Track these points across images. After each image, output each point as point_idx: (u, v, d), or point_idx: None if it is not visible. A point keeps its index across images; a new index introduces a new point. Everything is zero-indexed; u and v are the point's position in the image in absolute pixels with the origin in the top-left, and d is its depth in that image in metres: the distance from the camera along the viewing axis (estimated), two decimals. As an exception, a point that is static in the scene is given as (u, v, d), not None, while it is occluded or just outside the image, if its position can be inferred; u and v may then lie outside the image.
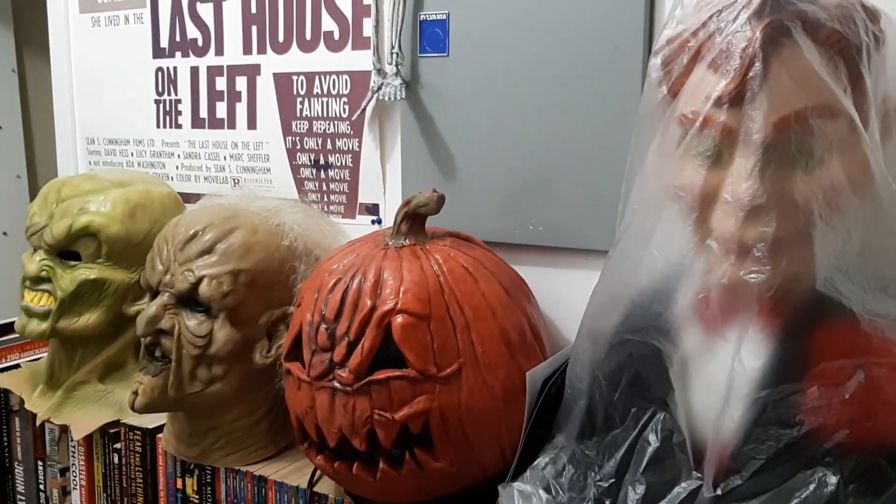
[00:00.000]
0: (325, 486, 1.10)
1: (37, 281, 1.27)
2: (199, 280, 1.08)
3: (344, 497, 1.06)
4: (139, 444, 1.25)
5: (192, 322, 1.09)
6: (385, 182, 1.23)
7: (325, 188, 1.28)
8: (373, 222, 1.24)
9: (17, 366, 1.45)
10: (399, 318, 0.90)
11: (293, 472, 1.14)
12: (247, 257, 1.10)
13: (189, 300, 1.10)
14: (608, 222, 1.04)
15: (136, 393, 1.09)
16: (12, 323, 1.34)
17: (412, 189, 1.19)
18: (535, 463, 0.91)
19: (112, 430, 1.28)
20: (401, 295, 0.91)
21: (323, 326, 0.94)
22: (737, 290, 0.73)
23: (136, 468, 1.25)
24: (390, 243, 0.99)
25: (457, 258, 0.96)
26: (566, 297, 1.08)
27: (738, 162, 0.72)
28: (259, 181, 1.35)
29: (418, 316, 0.90)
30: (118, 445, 1.28)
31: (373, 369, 0.91)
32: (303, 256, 1.16)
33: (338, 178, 1.27)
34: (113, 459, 1.28)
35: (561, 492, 0.87)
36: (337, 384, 0.92)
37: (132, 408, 1.10)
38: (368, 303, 0.92)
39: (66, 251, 1.26)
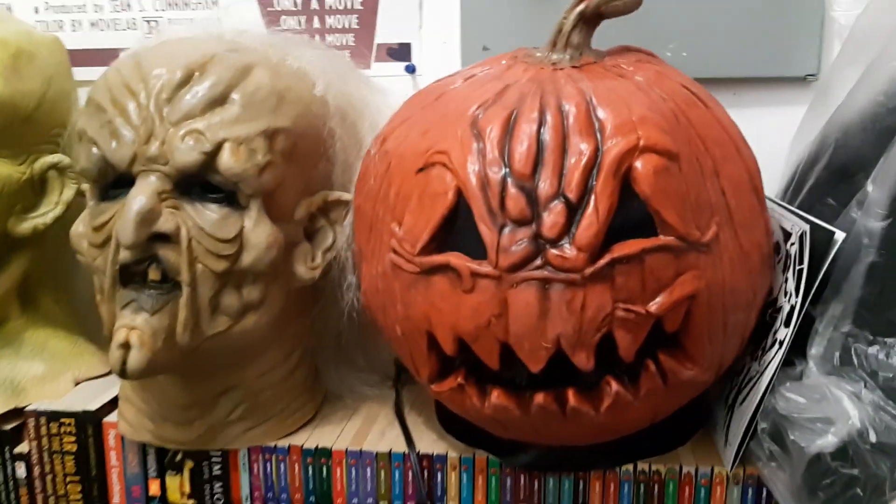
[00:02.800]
0: (428, 444, 0.75)
1: None
2: (219, 146, 0.65)
3: (474, 453, 0.73)
4: (72, 438, 0.77)
5: (210, 218, 0.66)
6: (422, 9, 0.86)
7: (317, 25, 0.88)
8: (407, 70, 0.87)
9: None
10: (643, 161, 0.59)
11: (357, 435, 0.77)
12: (281, 110, 0.69)
13: (194, 184, 0.66)
14: (779, 42, 0.79)
15: (125, 346, 0.64)
16: None
17: (477, 14, 0.85)
18: (812, 350, 0.66)
19: (9, 427, 0.79)
20: (638, 126, 0.60)
21: (512, 185, 0.59)
22: None
23: (69, 478, 0.78)
24: (557, 60, 0.66)
25: (670, 75, 0.66)
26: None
27: None
28: (196, 22, 0.89)
29: (669, 155, 0.60)
30: (23, 448, 0.79)
31: (609, 242, 0.59)
32: (337, 116, 0.76)
33: (340, 7, 0.87)
34: (15, 472, 0.79)
35: (864, 381, 0.64)
36: (554, 272, 0.58)
37: (124, 373, 0.64)
38: (585, 144, 0.59)
39: None
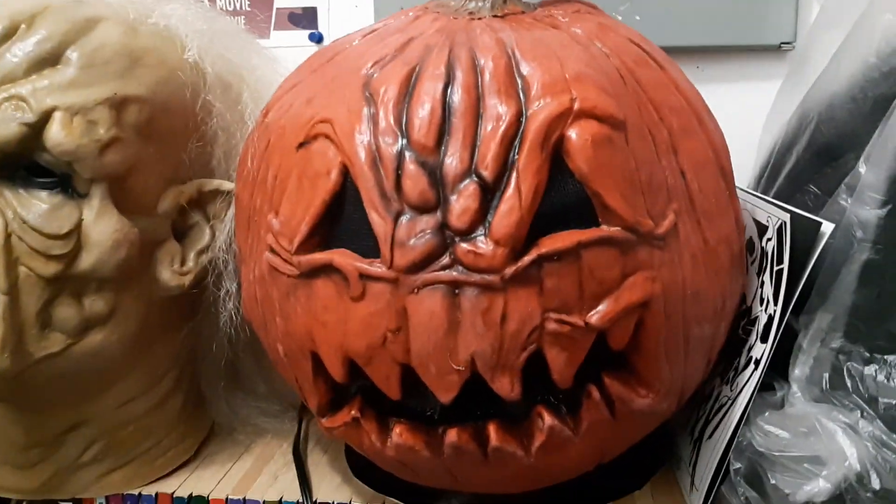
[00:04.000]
0: (330, 490, 0.61)
1: None
2: (47, 116, 0.51)
3: (384, 501, 0.59)
4: None
5: (38, 208, 0.52)
6: (331, -32, 0.73)
7: (208, -12, 0.74)
8: (312, 38, 0.73)
9: None
10: (579, 129, 0.46)
11: (244, 479, 0.63)
12: (135, 75, 0.55)
13: (18, 166, 0.52)
14: (749, 5, 0.68)
15: (-83, 374, 0.50)
16: None
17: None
18: (796, 371, 0.53)
19: None
20: (572, 85, 0.47)
21: (411, 161, 0.46)
22: None
23: None
24: (475, 9, 0.53)
25: (616, 29, 0.53)
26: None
27: None
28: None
29: (612, 122, 0.47)
30: None
31: (536, 234, 0.46)
32: (217, 87, 0.63)
33: (235, -33, 0.73)
34: None
35: (861, 410, 0.51)
36: (465, 273, 0.45)
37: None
38: (504, 107, 0.46)
39: None
